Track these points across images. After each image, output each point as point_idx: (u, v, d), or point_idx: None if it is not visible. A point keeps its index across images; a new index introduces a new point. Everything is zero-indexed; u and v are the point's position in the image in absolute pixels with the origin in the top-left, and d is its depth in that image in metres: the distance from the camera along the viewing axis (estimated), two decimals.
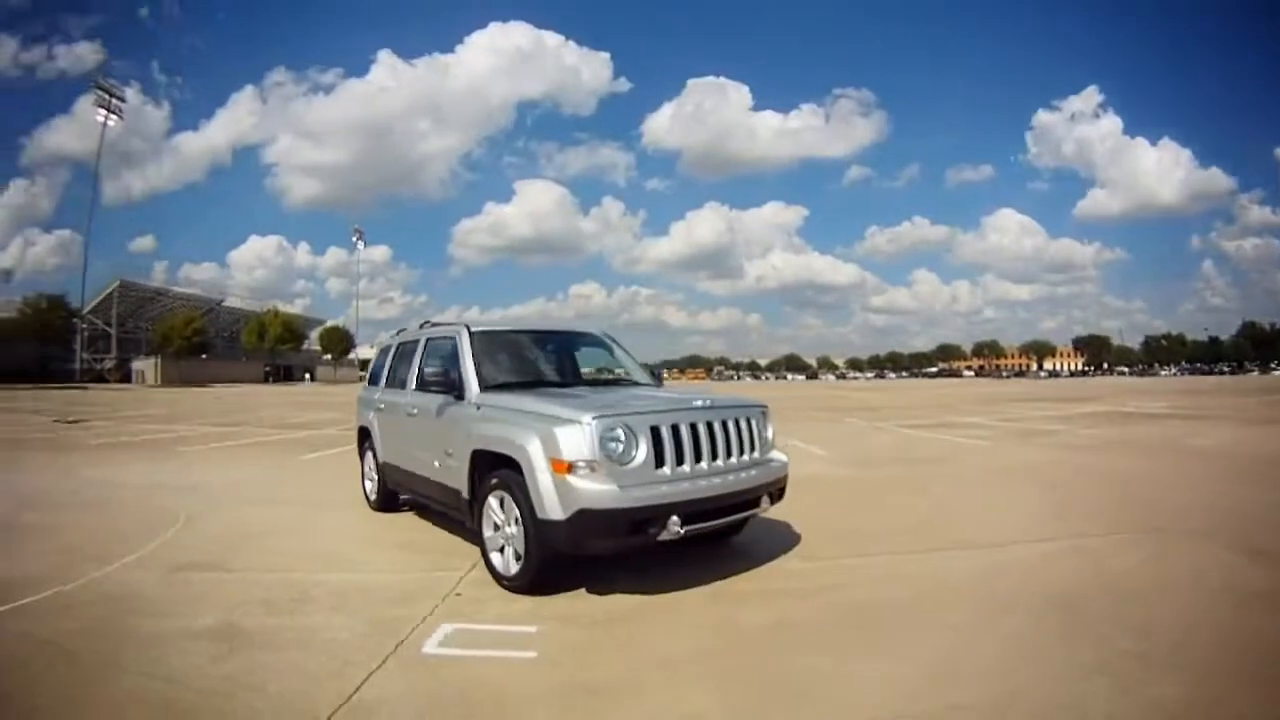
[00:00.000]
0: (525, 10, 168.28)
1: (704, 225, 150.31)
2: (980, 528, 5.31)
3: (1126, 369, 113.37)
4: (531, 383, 4.93)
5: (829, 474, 8.03)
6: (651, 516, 3.57)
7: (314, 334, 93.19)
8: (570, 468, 3.55)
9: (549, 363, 5.48)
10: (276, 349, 78.52)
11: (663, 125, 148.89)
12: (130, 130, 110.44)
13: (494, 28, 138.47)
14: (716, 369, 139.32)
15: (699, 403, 4.07)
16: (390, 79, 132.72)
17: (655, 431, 3.74)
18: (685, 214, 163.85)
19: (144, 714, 2.55)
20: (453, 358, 4.89)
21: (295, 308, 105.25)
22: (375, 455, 6.03)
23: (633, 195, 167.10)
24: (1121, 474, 7.69)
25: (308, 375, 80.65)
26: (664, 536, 3.57)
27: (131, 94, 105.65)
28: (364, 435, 6.40)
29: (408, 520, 5.73)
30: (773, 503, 4.28)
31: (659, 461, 3.73)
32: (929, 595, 3.73)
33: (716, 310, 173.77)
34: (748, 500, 4.06)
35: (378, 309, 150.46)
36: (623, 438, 3.62)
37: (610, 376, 5.78)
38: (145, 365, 65.85)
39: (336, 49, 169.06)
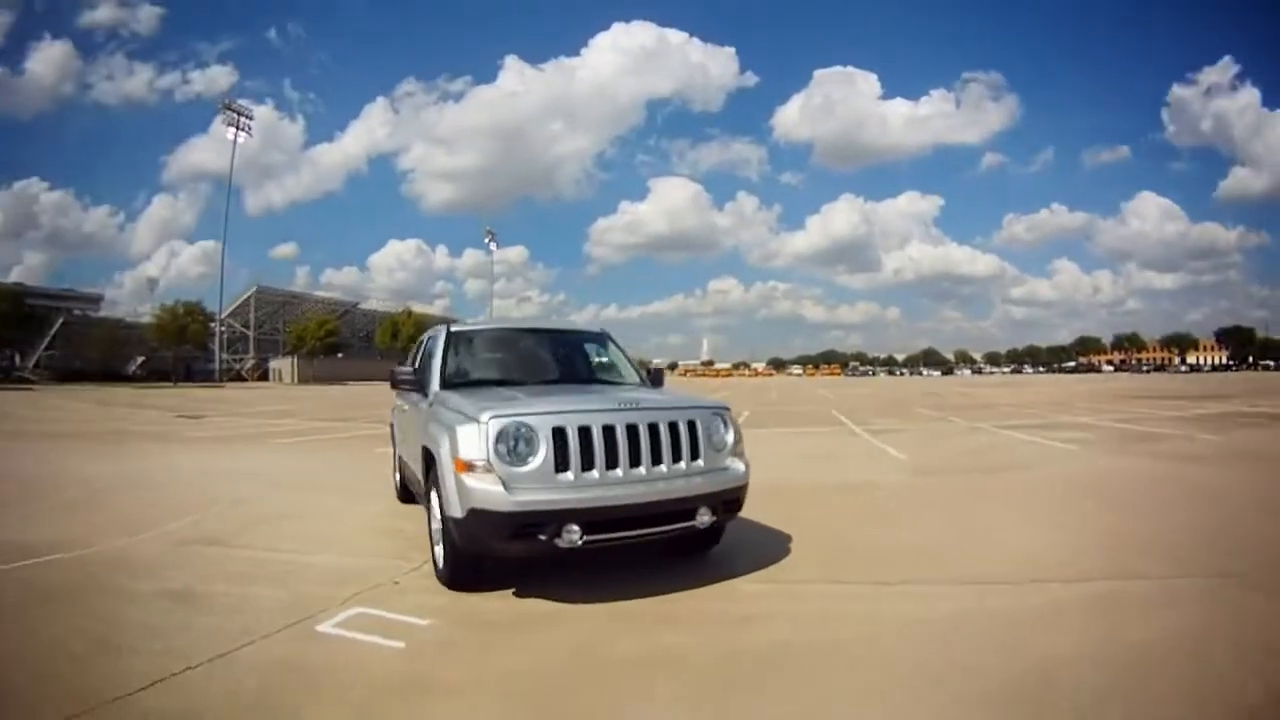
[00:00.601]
0: (647, 9, 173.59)
1: (839, 217, 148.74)
2: (1008, 556, 4.68)
3: (1272, 363, 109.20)
4: (494, 381, 5.12)
5: (881, 480, 7.99)
6: (541, 522, 3.60)
7: None
8: (468, 467, 3.70)
9: (529, 361, 5.56)
10: (409, 348, 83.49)
11: (792, 118, 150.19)
12: (268, 145, 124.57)
13: (617, 28, 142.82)
14: (851, 364, 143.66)
15: (627, 405, 4.01)
16: (519, 84, 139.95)
17: (559, 433, 3.74)
18: (820, 207, 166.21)
19: (74, 641, 3.32)
20: (430, 356, 5.25)
21: (435, 308, 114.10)
22: (395, 450, 6.72)
23: (766, 189, 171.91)
24: (1221, 494, 6.85)
25: None
26: (563, 544, 3.60)
27: (266, 111, 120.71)
28: (391, 431, 7.15)
29: (421, 512, 6.35)
30: (717, 516, 4.05)
31: (562, 465, 3.72)
32: (860, 647, 3.23)
33: (854, 304, 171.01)
34: (675, 512, 3.89)
35: (516, 308, 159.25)
36: (518, 438, 3.71)
37: (604, 377, 5.81)
38: (282, 364, 73.32)
39: (463, 58, 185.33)
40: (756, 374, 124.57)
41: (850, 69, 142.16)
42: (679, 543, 4.51)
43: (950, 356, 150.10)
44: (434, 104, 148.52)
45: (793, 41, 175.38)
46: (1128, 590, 3.93)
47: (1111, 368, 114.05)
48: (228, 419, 18.55)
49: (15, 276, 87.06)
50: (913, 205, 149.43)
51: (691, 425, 4.10)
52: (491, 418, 3.72)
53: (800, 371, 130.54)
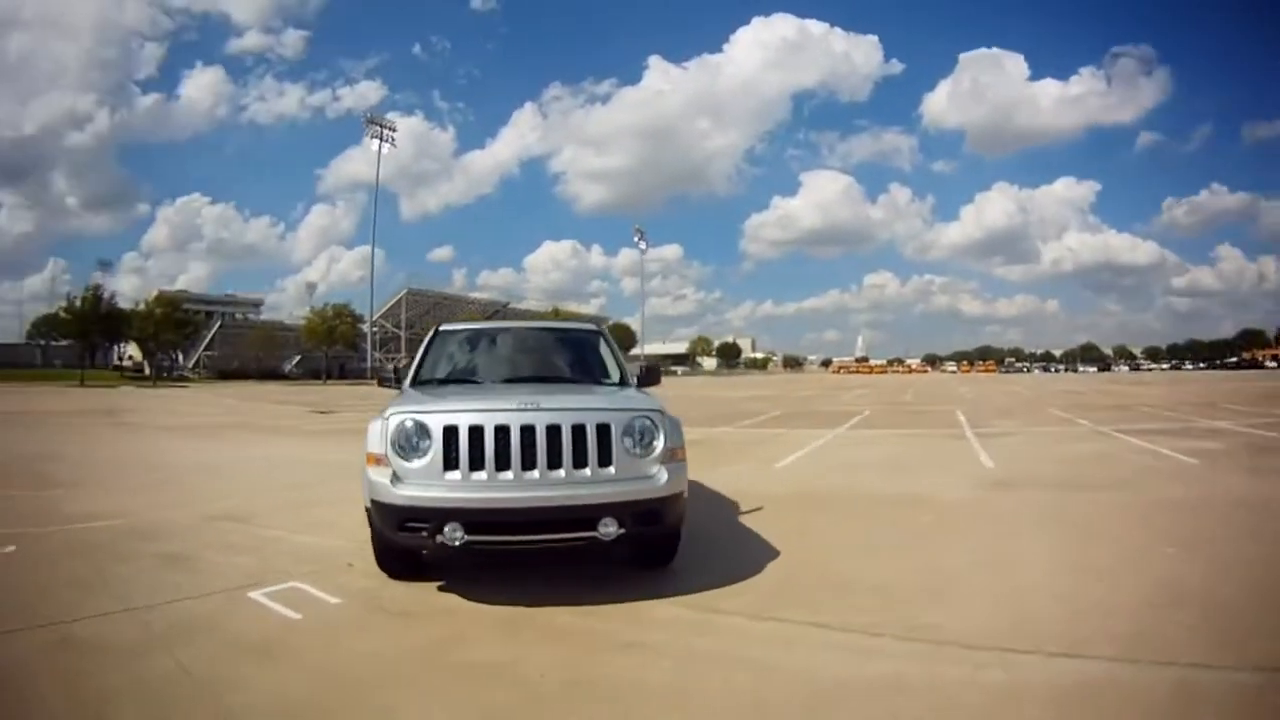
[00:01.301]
0: (785, 2, 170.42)
1: (993, 207, 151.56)
2: (1006, 609, 3.88)
3: None
4: (460, 379, 5.44)
5: (945, 494, 7.53)
6: (424, 518, 3.84)
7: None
8: (374, 460, 4.09)
9: (504, 360, 5.71)
10: None
11: (940, 105, 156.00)
12: (420, 154, 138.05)
13: (757, 23, 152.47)
14: (1007, 360, 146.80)
15: (528, 405, 4.03)
16: (663, 82, 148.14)
17: (450, 432, 3.92)
18: (974, 196, 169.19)
19: (60, 582, 4.42)
20: (416, 355, 5.74)
21: (590, 308, 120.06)
22: None
23: (918, 180, 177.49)
24: None
25: None
26: (446, 542, 3.81)
27: (416, 122, 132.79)
28: None
29: None
30: (624, 528, 3.92)
31: (451, 463, 3.91)
32: (724, 702, 2.91)
33: (1012, 297, 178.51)
34: (572, 520, 3.89)
35: (671, 306, 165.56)
36: (412, 435, 4.00)
37: (580, 376, 5.75)
38: None
39: (607, 61, 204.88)
40: (910, 370, 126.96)
41: (996, 50, 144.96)
42: (640, 553, 4.55)
43: (1109, 352, 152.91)
44: (581, 107, 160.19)
45: (935, 25, 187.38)
46: (1133, 680, 3.03)
47: (1276, 363, 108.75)
48: (356, 414, 20.96)
49: (180, 284, 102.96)
50: (1069, 191, 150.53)
51: (603, 429, 4.02)
52: (392, 414, 4.08)
53: (954, 368, 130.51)
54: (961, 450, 11.32)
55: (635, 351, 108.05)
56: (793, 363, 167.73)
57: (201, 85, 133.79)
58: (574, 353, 5.81)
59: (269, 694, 2.94)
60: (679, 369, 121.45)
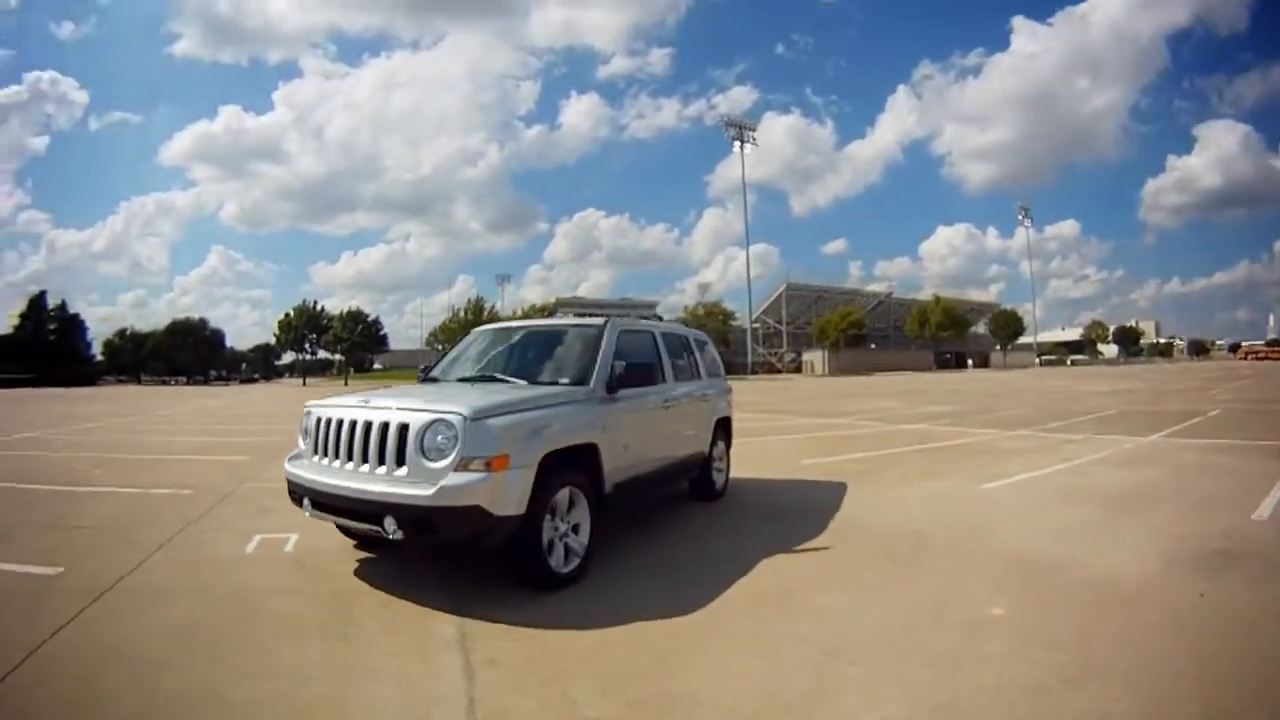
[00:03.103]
0: None
1: None
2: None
3: None
4: (436, 378, 5.99)
5: (982, 528, 4.95)
6: (294, 491, 4.62)
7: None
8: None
9: (493, 359, 5.99)
10: (939, 336, 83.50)
11: None
12: (802, 149, 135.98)
13: None
14: None
15: (363, 403, 4.45)
16: (1031, 44, 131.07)
17: (319, 423, 4.60)
18: None
19: (95, 518, 6.32)
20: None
21: (989, 294, 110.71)
22: None
23: None
24: None
25: (969, 361, 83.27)
26: (306, 512, 4.50)
27: (794, 120, 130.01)
28: None
29: None
30: (404, 533, 3.98)
31: (314, 450, 4.63)
32: None
33: None
34: (365, 513, 4.10)
35: (1073, 288, 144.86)
36: (306, 423, 4.76)
37: (544, 377, 5.72)
38: (814, 356, 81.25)
39: (970, 30, 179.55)
40: None
41: None
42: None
43: None
44: (954, 83, 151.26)
45: None
46: None
47: None
48: None
49: (581, 291, 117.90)
50: None
51: (402, 430, 4.12)
52: (308, 405, 4.86)
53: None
54: (1117, 479, 7.89)
55: (1026, 340, 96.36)
56: (1199, 348, 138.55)
57: (580, 112, 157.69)
58: (561, 351, 5.80)
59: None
60: (1076, 358, 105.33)
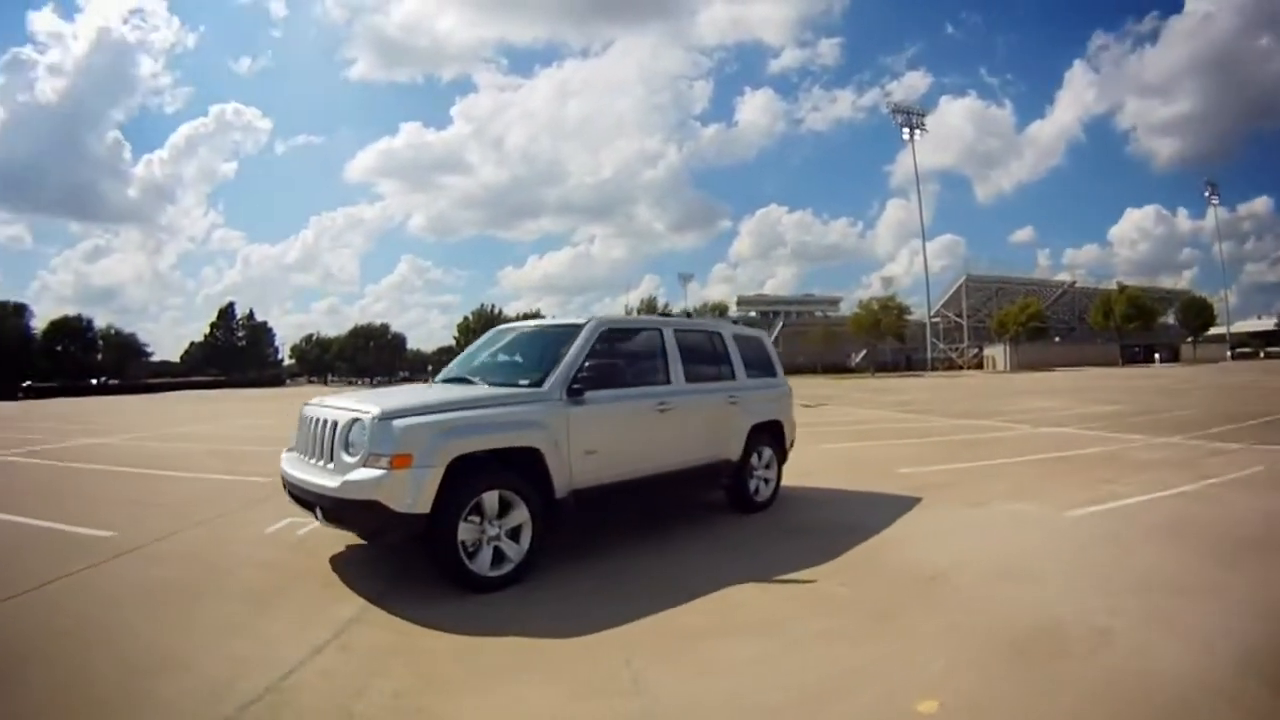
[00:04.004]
0: None
1: None
2: None
3: None
4: (447, 378, 6.20)
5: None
6: (283, 479, 5.00)
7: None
8: None
9: (484, 360, 6.14)
10: (1124, 328, 74.68)
11: None
12: (982, 133, 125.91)
13: None
14: None
15: (320, 403, 4.91)
16: (1208, 3, 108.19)
17: (299, 421, 5.07)
18: None
19: (175, 499, 7.35)
20: None
21: (1183, 280, 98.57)
22: None
23: None
24: None
25: (1157, 355, 73.96)
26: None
27: (970, 102, 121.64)
28: None
29: None
30: (328, 521, 4.42)
31: (293, 444, 5.17)
32: None
33: None
34: (306, 501, 4.58)
35: (1269, 271, 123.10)
36: (298, 420, 5.18)
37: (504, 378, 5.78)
38: (995, 352, 75.93)
39: None
40: None
41: None
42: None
43: None
44: (1130, 52, 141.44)
45: None
46: None
47: None
48: (845, 409, 20.50)
49: (767, 289, 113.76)
50: None
51: (334, 428, 4.49)
52: (304, 406, 5.32)
53: None
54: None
55: (1218, 330, 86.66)
56: None
57: (755, 108, 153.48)
58: (533, 353, 5.86)
59: None
60: (1271, 349, 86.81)
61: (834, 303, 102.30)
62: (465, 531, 4.33)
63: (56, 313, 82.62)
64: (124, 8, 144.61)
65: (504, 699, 3.08)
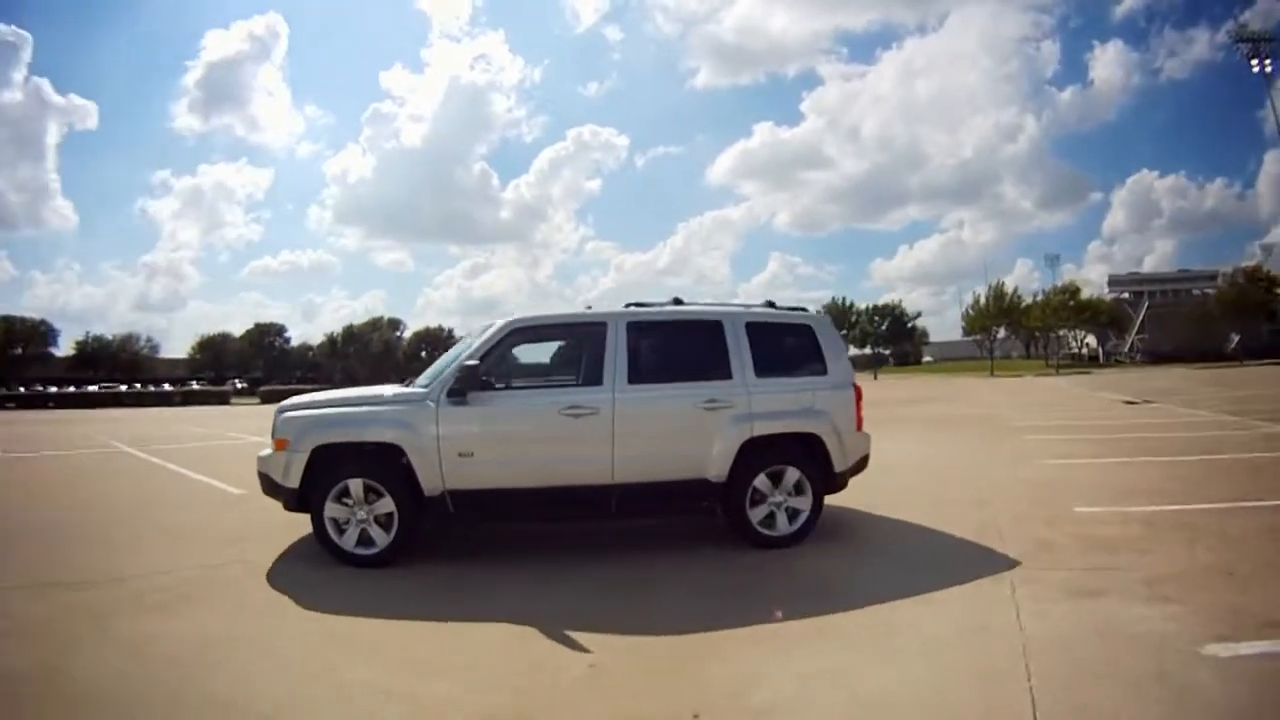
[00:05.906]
0: None
1: None
2: None
3: None
4: None
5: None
6: None
7: None
8: None
9: (444, 363, 6.06)
10: None
11: None
12: None
13: None
14: None
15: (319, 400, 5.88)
16: None
17: None
18: None
19: (122, 499, 8.62)
20: None
21: None
22: None
23: None
24: None
25: None
26: None
27: None
28: None
29: None
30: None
31: None
32: None
33: None
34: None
35: None
36: None
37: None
38: None
39: None
40: None
41: None
42: None
43: None
44: None
45: None
46: None
47: None
48: (1168, 407, 17.86)
49: (1147, 266, 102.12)
50: None
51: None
52: None
53: None
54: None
55: None
56: None
57: (1106, 63, 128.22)
58: (454, 354, 5.81)
59: None
60: None
61: (1211, 278, 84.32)
62: (336, 510, 5.06)
63: (437, 324, 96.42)
64: (468, 55, 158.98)
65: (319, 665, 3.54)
